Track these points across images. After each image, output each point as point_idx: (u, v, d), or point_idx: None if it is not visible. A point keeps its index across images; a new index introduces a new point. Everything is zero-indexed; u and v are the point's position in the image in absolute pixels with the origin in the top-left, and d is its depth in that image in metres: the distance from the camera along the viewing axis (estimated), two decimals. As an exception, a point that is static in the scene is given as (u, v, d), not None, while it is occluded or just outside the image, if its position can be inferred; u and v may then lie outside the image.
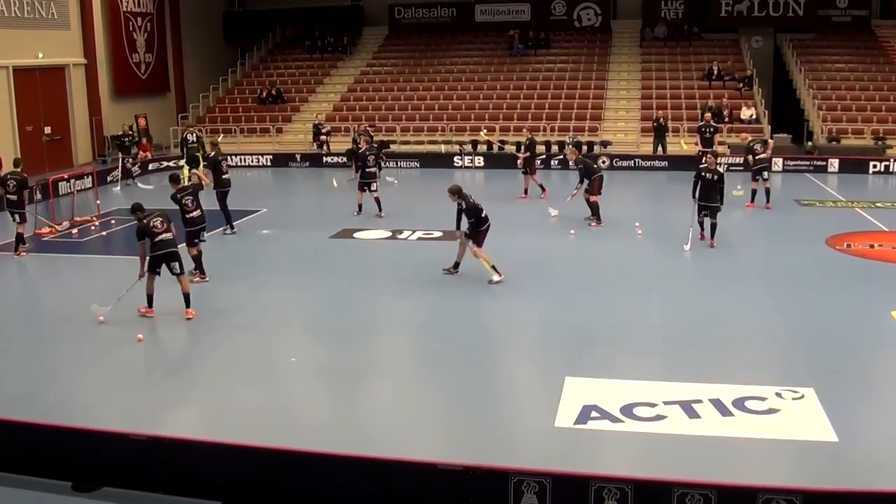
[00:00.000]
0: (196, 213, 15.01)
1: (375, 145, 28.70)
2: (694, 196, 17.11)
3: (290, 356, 11.60)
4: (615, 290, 14.37)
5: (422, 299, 14.13)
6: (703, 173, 17.04)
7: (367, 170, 21.02)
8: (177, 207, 14.71)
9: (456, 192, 14.81)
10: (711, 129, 25.48)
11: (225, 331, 12.64)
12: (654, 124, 29.55)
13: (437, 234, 18.73)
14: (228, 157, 31.69)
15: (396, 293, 14.53)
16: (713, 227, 17.14)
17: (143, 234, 12.90)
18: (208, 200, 16.94)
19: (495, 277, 14.56)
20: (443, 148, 32.04)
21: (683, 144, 27.36)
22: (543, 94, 34.38)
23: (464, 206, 14.73)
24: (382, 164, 27.33)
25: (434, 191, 26.27)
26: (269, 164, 31.70)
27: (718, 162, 19.48)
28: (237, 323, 13.01)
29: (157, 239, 12.95)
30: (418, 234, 18.98)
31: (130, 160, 27.93)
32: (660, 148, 29.46)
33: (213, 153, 19.38)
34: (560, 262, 16.41)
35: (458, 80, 35.93)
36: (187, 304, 13.18)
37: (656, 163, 29.21)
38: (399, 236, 18.86)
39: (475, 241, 14.78)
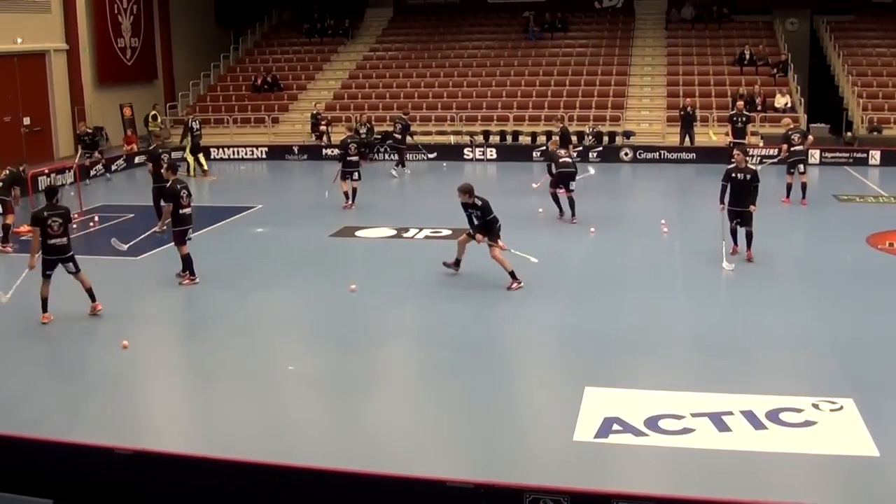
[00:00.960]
0: (189, 210, 15.14)
1: (360, 134, 29.12)
2: (722, 201, 15.90)
3: (288, 364, 11.61)
4: (639, 292, 14.35)
5: (429, 303, 14.14)
6: (732, 174, 15.80)
7: (349, 159, 21.95)
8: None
9: (468, 192, 14.66)
10: (744, 119, 25.43)
11: (217, 337, 12.67)
12: (681, 113, 29.53)
13: (446, 231, 18.73)
14: (220, 150, 32.52)
15: (402, 296, 14.54)
16: (749, 235, 15.88)
17: (35, 223, 13.08)
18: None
19: (514, 285, 14.49)
20: (452, 139, 32.05)
21: (712, 135, 27.35)
22: (561, 80, 34.37)
23: (479, 204, 14.60)
24: (370, 153, 27.67)
25: (443, 185, 26.34)
26: (264, 156, 31.76)
27: (751, 156, 19.46)
28: (230, 329, 13.03)
29: (49, 242, 13.02)
30: (425, 232, 19.00)
31: (89, 158, 27.83)
32: (687, 139, 29.44)
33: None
34: (579, 263, 16.39)
35: (469, 66, 35.94)
36: (92, 299, 13.42)
37: (683, 155, 29.17)
38: (405, 235, 18.87)
39: (493, 239, 14.66)
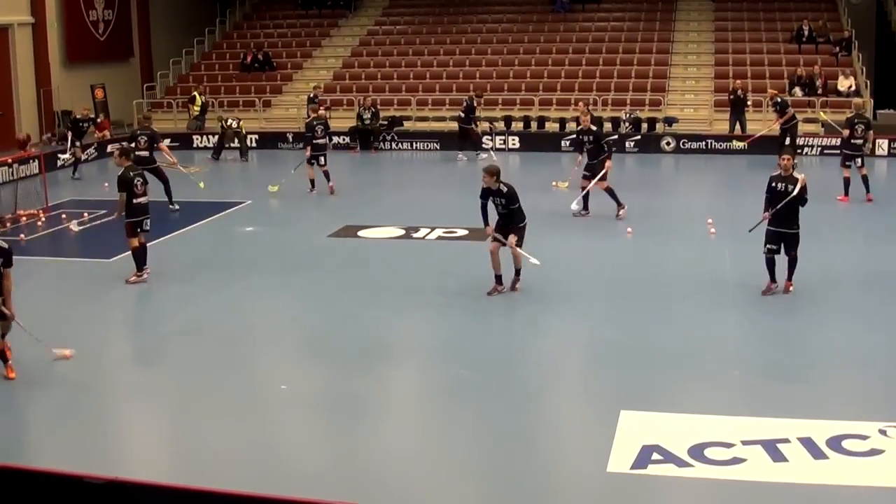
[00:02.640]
0: (144, 200, 15.61)
1: (364, 120, 29.30)
2: (767, 209, 14.30)
3: (280, 383, 11.62)
4: (682, 303, 14.31)
5: (442, 313, 14.14)
6: (773, 183, 14.18)
7: (316, 141, 22.85)
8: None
9: (496, 174, 14.47)
10: (779, 105, 25.68)
11: (200, 351, 12.68)
12: (731, 97, 29.45)
13: (462, 231, 18.73)
14: (203, 137, 32.58)
15: (411, 305, 14.54)
16: (792, 262, 14.31)
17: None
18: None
19: (532, 259, 14.55)
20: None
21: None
22: (593, 59, 34.35)
23: (505, 190, 14.43)
24: (376, 142, 27.99)
25: (458, 177, 26.37)
26: (254, 144, 31.82)
27: (806, 149, 19.14)
28: (214, 341, 13.05)
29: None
30: (438, 231, 19.01)
31: (81, 148, 28.01)
32: (737, 126, 29.37)
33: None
34: (614, 268, 16.36)
35: (488, 43, 35.96)
36: None
37: (733, 144, 29.13)
38: (414, 235, 18.89)
39: (513, 232, 14.49)
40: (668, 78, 33.33)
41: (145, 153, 20.90)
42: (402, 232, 19.13)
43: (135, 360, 12.71)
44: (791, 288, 14.38)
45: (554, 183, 22.67)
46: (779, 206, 13.99)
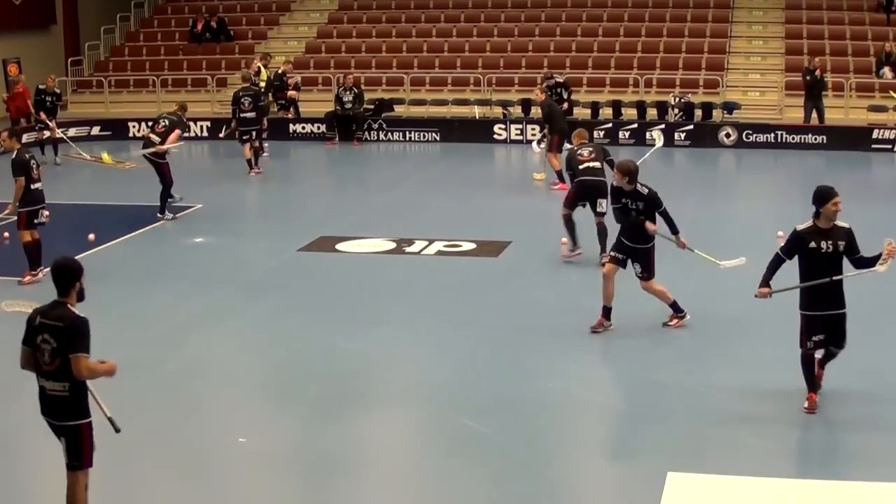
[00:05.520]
0: (41, 185, 16.62)
1: (344, 103, 29.50)
2: (768, 283, 12.30)
3: (238, 435, 11.58)
4: (746, 335, 14.27)
5: (444, 349, 14.12)
6: (809, 241, 11.82)
7: (242, 115, 25.04)
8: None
9: (632, 174, 14.17)
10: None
11: (135, 393, 12.61)
12: (806, 79, 29.47)
13: (468, 245, 18.76)
14: (140, 125, 32.47)
15: (403, 338, 14.52)
16: (833, 356, 12.10)
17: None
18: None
19: (676, 321, 14.52)
20: (477, 111, 32.07)
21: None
22: (634, 29, 34.39)
23: (646, 193, 14.16)
24: (360, 130, 28.51)
25: (463, 177, 26.36)
26: (204, 133, 31.87)
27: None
28: (156, 381, 12.99)
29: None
30: (437, 245, 19.03)
31: (55, 127, 28.50)
32: (814, 114, 29.37)
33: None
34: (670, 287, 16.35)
35: (501, 8, 36.05)
36: None
37: (808, 137, 29.14)
38: (408, 249, 18.89)
39: (648, 269, 14.28)
40: (728, 53, 33.38)
41: (156, 139, 21.54)
42: (392, 245, 19.14)
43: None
44: (822, 374, 12.06)
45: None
46: (824, 278, 11.64)
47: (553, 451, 11.15)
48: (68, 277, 8.79)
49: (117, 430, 9.15)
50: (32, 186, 16.50)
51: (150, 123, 22.18)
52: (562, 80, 29.45)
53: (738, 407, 12.05)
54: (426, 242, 19.15)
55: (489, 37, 34.82)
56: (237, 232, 20.65)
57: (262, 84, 30.44)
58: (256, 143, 25.84)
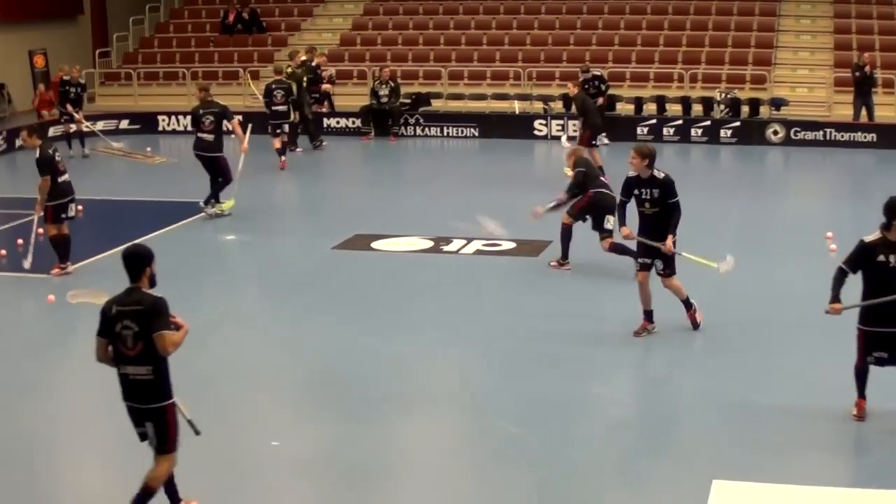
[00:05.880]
0: (68, 177, 16.84)
1: (380, 97, 29.44)
2: (838, 298, 11.85)
3: (271, 438, 11.58)
4: (795, 341, 14.17)
5: (480, 350, 14.08)
6: (877, 253, 11.47)
7: (275, 108, 25.78)
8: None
9: (651, 157, 13.86)
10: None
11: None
12: (856, 75, 29.28)
13: (507, 244, 18.73)
14: (171, 118, 32.68)
15: (439, 339, 14.49)
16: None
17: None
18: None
19: (698, 316, 14.41)
20: (517, 106, 32.02)
21: None
22: (678, 22, 34.25)
23: (661, 177, 13.80)
24: (396, 125, 28.59)
25: (502, 174, 26.31)
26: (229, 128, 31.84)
27: None
28: (184, 382, 12.95)
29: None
30: (476, 244, 18.98)
31: (82, 118, 28.68)
32: (864, 111, 29.19)
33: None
34: (708, 294, 16.22)
35: (542, 0, 35.90)
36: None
37: (858, 135, 28.99)
38: (445, 248, 18.87)
39: (671, 266, 14.06)
40: (775, 48, 33.21)
41: (211, 136, 20.98)
42: (430, 244, 19.13)
43: (84, 403, 12.66)
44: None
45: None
46: (891, 293, 11.26)
47: (596, 458, 11.10)
48: (139, 263, 9.27)
49: (197, 433, 9.62)
50: (59, 179, 16.67)
51: (186, 120, 21.86)
52: (598, 74, 29.37)
53: (785, 413, 11.96)
54: (464, 241, 19.11)
55: (529, 29, 34.75)
56: (270, 229, 20.64)
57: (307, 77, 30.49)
58: (286, 138, 26.47)
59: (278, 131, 26.28)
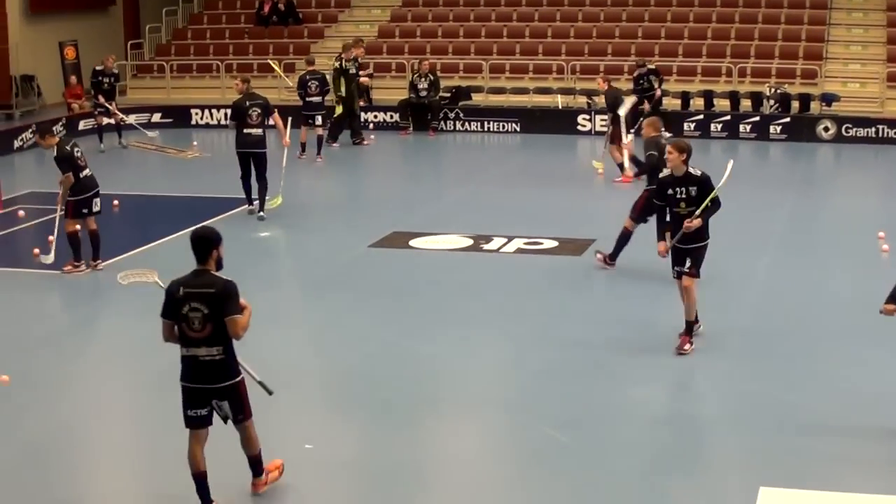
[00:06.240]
0: (90, 172, 16.95)
1: (419, 90, 29.55)
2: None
3: (304, 441, 11.60)
4: (845, 346, 14.08)
5: (525, 353, 14.07)
6: None
7: (309, 99, 26.81)
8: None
9: (688, 152, 13.40)
10: None
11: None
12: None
13: (550, 243, 18.71)
14: (205, 112, 32.77)
15: (479, 341, 14.49)
16: None
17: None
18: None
19: (688, 346, 13.90)
20: (560, 101, 31.96)
21: None
22: (727, 15, 34.06)
23: (698, 175, 13.37)
24: (434, 120, 29.23)
25: (545, 170, 26.26)
26: (271, 122, 31.87)
27: None
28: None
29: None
30: (517, 242, 18.96)
31: (116, 110, 28.94)
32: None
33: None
34: (755, 296, 16.19)
35: (585, -9, 35.86)
36: None
37: None
38: (485, 246, 18.84)
39: (698, 265, 13.58)
40: (827, 42, 32.97)
41: (259, 131, 20.75)
42: (469, 242, 19.10)
43: (112, 402, 12.71)
44: None
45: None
46: None
47: (639, 464, 11.03)
48: (207, 245, 9.81)
49: (270, 393, 10.44)
50: (81, 175, 16.76)
51: (219, 114, 21.66)
52: (653, 68, 29.26)
53: (835, 418, 11.93)
54: (505, 239, 19.08)
55: (573, 21, 34.64)
56: (304, 226, 20.69)
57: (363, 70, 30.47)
58: (321, 130, 26.89)
59: (310, 122, 26.78)
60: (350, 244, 19.13)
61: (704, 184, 13.41)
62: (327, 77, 27.69)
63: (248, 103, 20.65)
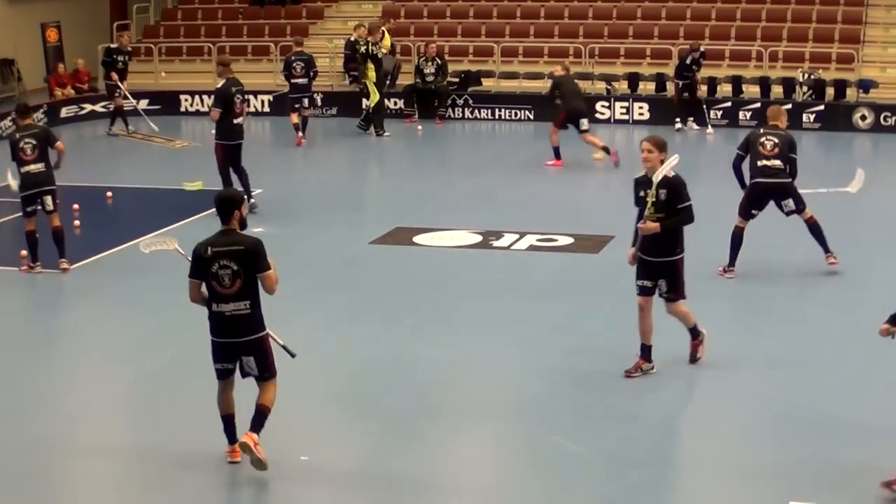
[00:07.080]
0: (35, 167, 16.62)
1: (426, 75, 29.79)
2: None
3: (300, 452, 11.60)
4: (884, 352, 14.06)
5: (535, 356, 14.05)
6: None
7: (294, 81, 26.80)
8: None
9: (664, 148, 12.89)
10: None
11: (190, 402, 12.67)
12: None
13: (565, 239, 18.74)
14: (194, 98, 32.75)
15: (487, 345, 14.50)
16: None
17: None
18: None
19: (701, 351, 13.74)
20: (577, 87, 32.02)
21: None
22: (756, -5, 34.10)
23: (671, 177, 12.73)
24: (442, 106, 29.03)
25: (559, 161, 26.29)
26: (266, 109, 32.04)
27: None
28: (208, 388, 12.97)
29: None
30: (529, 238, 18.98)
31: (121, 93, 29.18)
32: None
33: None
34: (786, 298, 16.18)
35: (606, -32, 35.86)
36: None
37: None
38: (495, 242, 18.87)
39: (676, 287, 13.10)
40: (864, 24, 32.96)
41: (241, 120, 20.80)
42: (478, 238, 19.15)
43: (102, 408, 12.73)
44: None
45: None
46: None
47: (661, 476, 11.08)
48: (230, 206, 10.79)
49: (293, 356, 11.50)
50: (22, 170, 16.63)
51: (210, 100, 21.79)
52: (703, 51, 29.28)
53: (866, 430, 11.93)
54: (517, 236, 19.12)
55: (592, 1, 34.61)
56: (302, 221, 20.69)
57: (384, 51, 30.09)
58: (307, 113, 27.79)
59: (297, 105, 27.31)
60: (350, 241, 19.19)
61: (675, 187, 12.82)
62: (313, 59, 28.32)
63: (233, 89, 20.51)
